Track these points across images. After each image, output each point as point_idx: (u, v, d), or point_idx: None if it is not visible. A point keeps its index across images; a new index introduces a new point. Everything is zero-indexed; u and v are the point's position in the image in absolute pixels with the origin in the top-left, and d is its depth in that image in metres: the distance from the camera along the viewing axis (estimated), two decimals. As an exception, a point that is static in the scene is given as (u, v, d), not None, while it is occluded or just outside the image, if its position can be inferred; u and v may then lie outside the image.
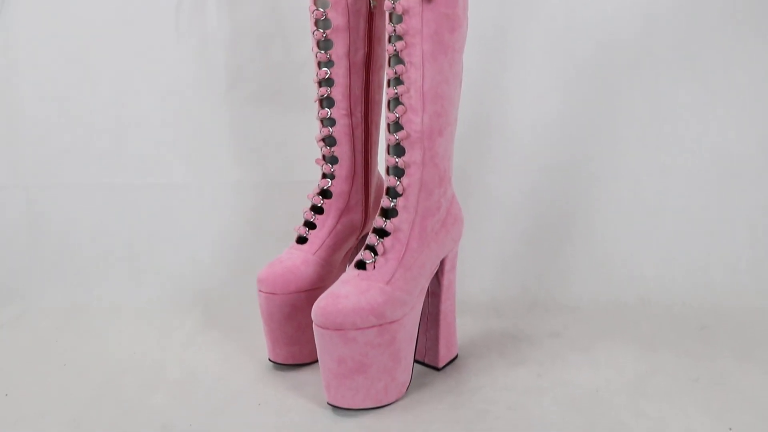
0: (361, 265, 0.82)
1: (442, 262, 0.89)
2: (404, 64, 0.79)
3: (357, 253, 1.01)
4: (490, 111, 1.22)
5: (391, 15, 0.79)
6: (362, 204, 0.95)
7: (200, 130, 1.26)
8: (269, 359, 0.93)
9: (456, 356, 0.94)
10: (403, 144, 0.81)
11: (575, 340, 1.01)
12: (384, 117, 0.83)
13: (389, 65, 0.80)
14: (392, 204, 0.82)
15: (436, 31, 0.78)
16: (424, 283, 0.85)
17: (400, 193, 0.82)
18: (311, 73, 0.96)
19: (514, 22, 1.19)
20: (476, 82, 1.16)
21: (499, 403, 0.83)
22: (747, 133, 1.20)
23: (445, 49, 0.79)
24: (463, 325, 1.01)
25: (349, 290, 0.80)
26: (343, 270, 0.96)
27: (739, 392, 0.85)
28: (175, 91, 1.25)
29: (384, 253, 0.82)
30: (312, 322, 0.80)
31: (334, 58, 0.88)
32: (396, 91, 0.80)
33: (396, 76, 0.80)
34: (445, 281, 0.90)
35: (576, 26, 1.20)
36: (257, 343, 0.98)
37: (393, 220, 0.82)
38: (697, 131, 1.21)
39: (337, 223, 0.93)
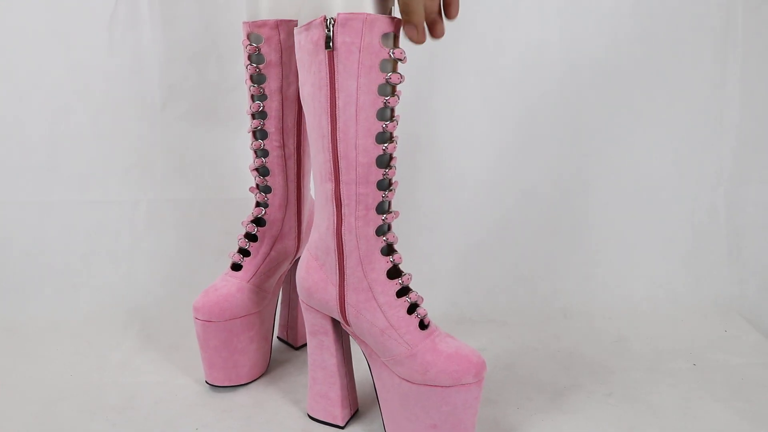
0: None
1: None
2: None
3: (290, 277, 1.05)
4: (419, 131, 1.26)
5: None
6: (295, 230, 0.98)
7: (135, 147, 1.27)
8: (206, 381, 0.95)
9: None
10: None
11: (500, 356, 1.06)
12: None
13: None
14: None
15: None
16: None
17: None
18: (245, 92, 0.98)
19: (444, 44, 1.24)
20: (407, 103, 1.20)
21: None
22: (662, 154, 1.27)
23: None
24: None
25: None
26: (277, 295, 0.99)
27: (647, 407, 0.91)
28: (109, 107, 1.26)
29: None
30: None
31: (267, 91, 0.91)
32: None
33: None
34: None
35: (505, 48, 1.25)
36: (193, 362, 1.01)
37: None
38: (617, 151, 1.27)
39: (270, 250, 0.96)
